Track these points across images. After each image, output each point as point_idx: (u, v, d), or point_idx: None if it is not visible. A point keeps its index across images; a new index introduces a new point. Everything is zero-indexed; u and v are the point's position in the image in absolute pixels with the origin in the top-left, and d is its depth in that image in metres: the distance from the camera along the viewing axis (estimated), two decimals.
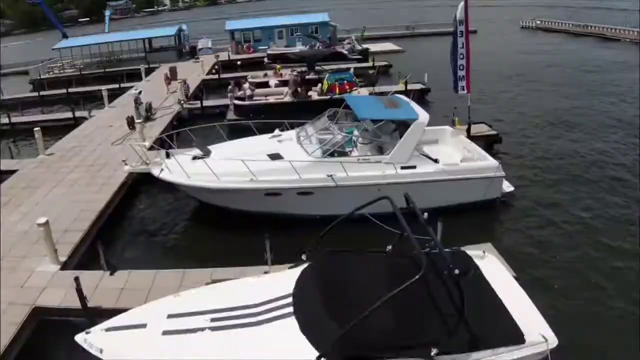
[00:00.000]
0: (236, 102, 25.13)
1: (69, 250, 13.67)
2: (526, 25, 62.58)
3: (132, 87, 36.31)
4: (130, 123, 24.04)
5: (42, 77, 45.17)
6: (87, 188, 17.76)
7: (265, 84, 27.97)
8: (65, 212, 15.81)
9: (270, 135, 17.17)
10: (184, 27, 49.56)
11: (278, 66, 34.42)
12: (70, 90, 37.95)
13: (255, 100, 25.69)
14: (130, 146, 16.66)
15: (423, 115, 15.15)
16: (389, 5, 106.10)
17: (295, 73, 30.03)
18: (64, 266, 13.15)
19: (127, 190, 17.89)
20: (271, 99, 25.85)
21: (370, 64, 37.90)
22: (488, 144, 20.56)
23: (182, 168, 14.64)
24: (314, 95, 25.43)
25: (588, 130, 23.30)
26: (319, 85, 26.05)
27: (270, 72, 31.12)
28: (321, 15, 47.35)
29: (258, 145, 16.25)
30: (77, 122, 28.24)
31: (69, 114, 29.12)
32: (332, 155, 14.63)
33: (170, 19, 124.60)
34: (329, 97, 24.73)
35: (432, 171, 14.85)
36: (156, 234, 15.42)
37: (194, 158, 15.66)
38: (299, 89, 25.32)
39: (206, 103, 29.14)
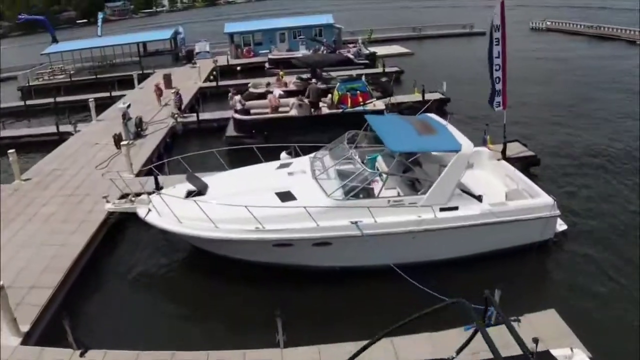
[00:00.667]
0: (236, 116, 22.28)
1: (33, 317, 10.92)
2: (536, 27, 59.78)
3: (123, 95, 33.56)
4: (118, 142, 21.21)
5: (30, 84, 42.29)
6: (63, 226, 14.97)
7: (265, 96, 24.71)
8: (35, 259, 13.10)
9: (278, 163, 14.39)
10: (181, 29, 46.67)
11: (281, 72, 31.61)
12: (58, 99, 35.03)
13: (258, 114, 22.83)
14: (111, 181, 13.76)
15: (467, 145, 12.35)
16: (389, 5, 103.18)
17: (299, 82, 27.25)
18: (26, 339, 10.41)
19: (109, 229, 15.08)
20: (270, 110, 22.96)
21: (380, 69, 35.07)
22: (524, 166, 17.75)
23: (172, 211, 11.84)
24: (323, 108, 22.53)
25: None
26: (328, 96, 23.18)
27: (273, 80, 28.21)
28: (325, 17, 44.54)
29: (264, 177, 13.49)
30: (61, 137, 25.48)
31: (53, 128, 26.31)
32: (356, 196, 11.81)
33: (168, 20, 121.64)
34: (340, 110, 21.87)
35: (478, 213, 12.07)
36: (141, 294, 12.57)
37: (188, 195, 12.87)
38: (303, 102, 22.42)
39: (203, 116, 26.27)
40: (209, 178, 13.89)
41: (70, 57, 45.70)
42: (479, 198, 12.46)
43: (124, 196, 14.57)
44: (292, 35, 43.35)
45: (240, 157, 17.42)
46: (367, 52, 40.46)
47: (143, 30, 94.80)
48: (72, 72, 44.47)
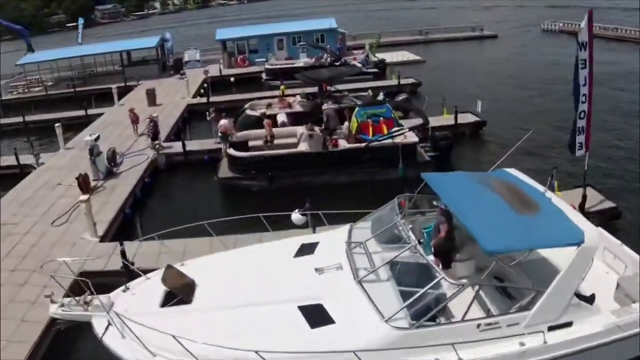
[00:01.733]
0: (231, 152, 17.65)
1: None
2: (548, 28, 55.28)
3: (101, 114, 28.93)
4: (84, 185, 16.46)
5: (2, 98, 37.42)
6: None
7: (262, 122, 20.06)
8: None
9: (295, 242, 9.82)
10: (168, 35, 41.83)
11: (281, 87, 27.00)
12: (28, 118, 30.29)
13: (258, 147, 18.22)
14: (52, 277, 9.00)
15: (591, 233, 7.84)
16: (385, 5, 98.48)
17: (304, 101, 22.67)
18: None
19: (54, 341, 10.49)
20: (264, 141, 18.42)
21: (393, 81, 30.53)
22: (603, 221, 13.07)
23: (140, 341, 7.35)
24: (340, 141, 17.94)
25: None
26: (345, 124, 18.62)
27: (275, 101, 23.52)
28: (328, 20, 39.91)
29: (278, 272, 8.95)
30: (22, 171, 20.96)
31: (13, 160, 21.64)
32: (432, 320, 7.31)
33: (159, 23, 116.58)
34: (364, 145, 17.31)
35: (600, 330, 7.62)
36: None
37: (165, 302, 8.37)
38: (314, 132, 17.83)
39: (190, 145, 21.60)
40: (198, 266, 9.36)
41: (49, 67, 40.80)
42: (591, 300, 8.00)
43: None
44: (292, 42, 38.66)
45: (238, 205, 13.07)
46: (375, 59, 35.91)
47: (133, 34, 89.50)
48: (49, 84, 39.60)
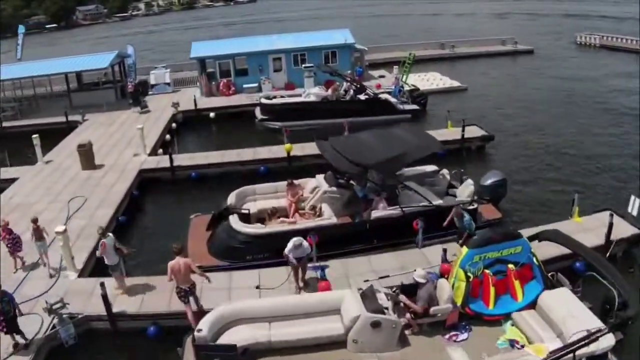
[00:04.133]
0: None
1: None
2: (584, 42, 45.22)
3: (14, 180, 18.07)
4: None
5: None
6: None
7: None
8: None
9: None
10: (130, 50, 30.50)
11: (286, 145, 16.61)
12: None
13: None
14: None
15: None
16: (387, 9, 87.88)
17: (335, 192, 12.32)
18: None
19: None
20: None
21: (449, 131, 20.00)
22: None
23: None
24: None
25: None
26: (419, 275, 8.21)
27: (281, 202, 12.99)
28: (341, 33, 29.06)
29: None
30: None
31: None
32: None
33: (141, 26, 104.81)
34: None
35: None
36: None
37: None
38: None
39: (134, 307, 10.78)
40: None
41: None
42: None
43: None
44: (292, 61, 27.92)
45: None
46: (408, 86, 25.38)
47: (110, 38, 78.30)
48: None
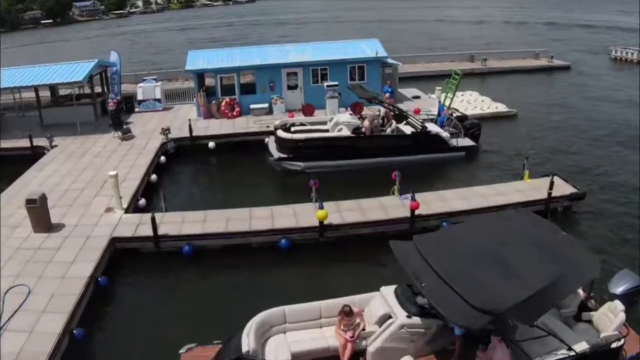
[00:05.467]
0: None
1: None
2: (620, 57, 40.01)
3: None
4: None
5: None
6: None
7: None
8: None
9: None
10: (114, 57, 24.41)
11: (319, 212, 11.13)
12: None
13: None
14: None
15: None
16: (388, 13, 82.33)
17: None
18: None
19: None
20: None
21: (537, 189, 14.43)
22: None
23: None
24: None
25: None
26: None
27: (340, 337, 7.55)
28: (370, 44, 23.31)
29: None
30: None
31: None
32: None
33: (139, 23, 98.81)
34: None
35: None
36: None
37: None
38: None
39: None
40: None
41: None
42: None
43: None
44: (311, 77, 22.38)
45: None
46: (455, 112, 19.89)
47: (101, 40, 71.78)
48: None
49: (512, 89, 29.65)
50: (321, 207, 11.91)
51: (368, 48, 22.76)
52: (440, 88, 22.83)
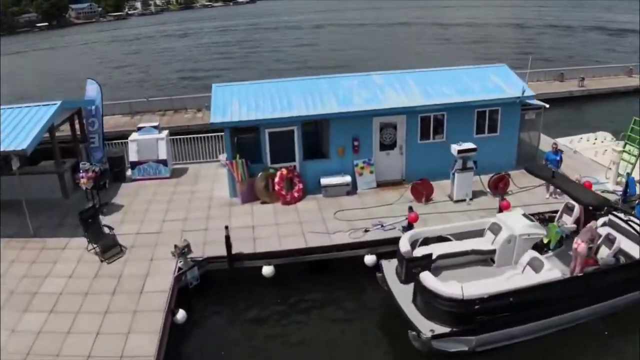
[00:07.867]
0: None
1: None
2: None
3: None
4: None
5: None
6: None
7: None
8: None
9: None
10: (91, 90, 14.27)
11: None
12: None
13: None
14: None
15: None
16: (403, 12, 72.54)
17: None
18: None
19: None
20: None
21: None
22: None
23: None
24: None
25: None
26: None
27: None
28: (501, 72, 13.50)
29: None
30: None
31: None
32: None
33: (137, 25, 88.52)
34: None
35: None
36: None
37: None
38: None
39: None
40: None
41: None
42: None
43: None
44: (419, 130, 12.85)
45: None
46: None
47: (94, 46, 61.07)
48: None
49: (623, 121, 20.12)
50: None
51: (502, 81, 13.27)
52: (583, 137, 13.60)
